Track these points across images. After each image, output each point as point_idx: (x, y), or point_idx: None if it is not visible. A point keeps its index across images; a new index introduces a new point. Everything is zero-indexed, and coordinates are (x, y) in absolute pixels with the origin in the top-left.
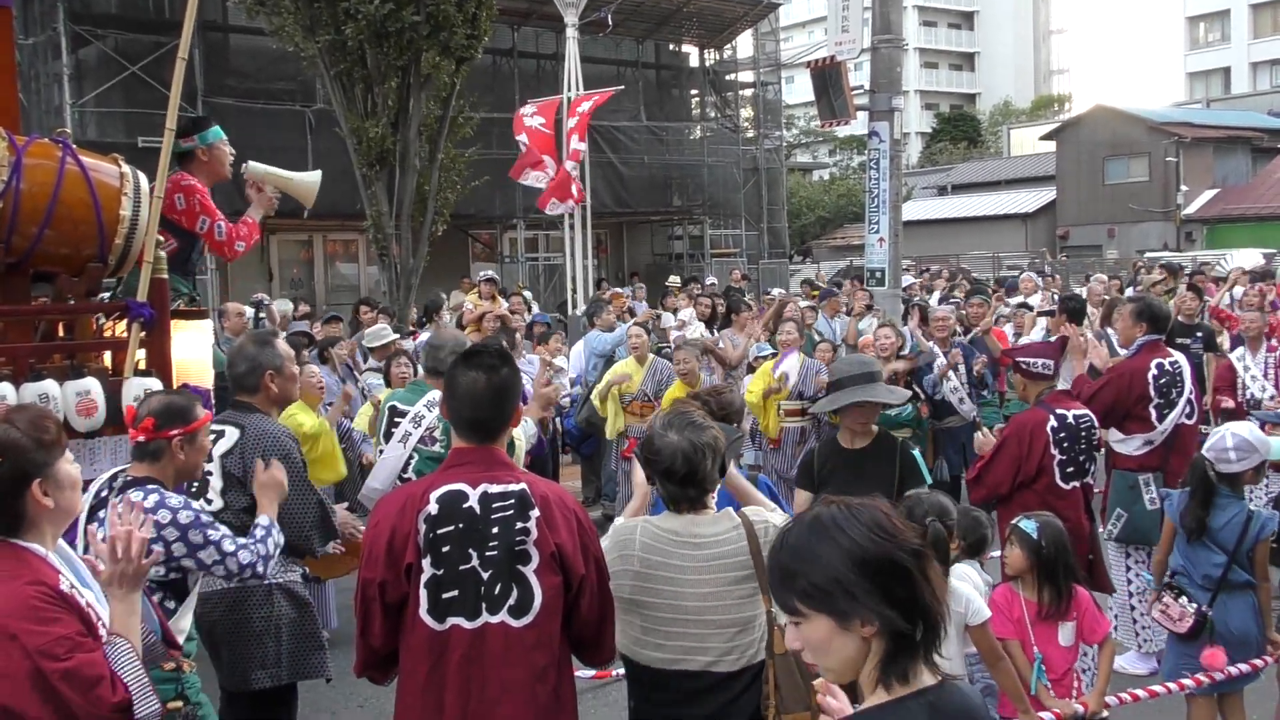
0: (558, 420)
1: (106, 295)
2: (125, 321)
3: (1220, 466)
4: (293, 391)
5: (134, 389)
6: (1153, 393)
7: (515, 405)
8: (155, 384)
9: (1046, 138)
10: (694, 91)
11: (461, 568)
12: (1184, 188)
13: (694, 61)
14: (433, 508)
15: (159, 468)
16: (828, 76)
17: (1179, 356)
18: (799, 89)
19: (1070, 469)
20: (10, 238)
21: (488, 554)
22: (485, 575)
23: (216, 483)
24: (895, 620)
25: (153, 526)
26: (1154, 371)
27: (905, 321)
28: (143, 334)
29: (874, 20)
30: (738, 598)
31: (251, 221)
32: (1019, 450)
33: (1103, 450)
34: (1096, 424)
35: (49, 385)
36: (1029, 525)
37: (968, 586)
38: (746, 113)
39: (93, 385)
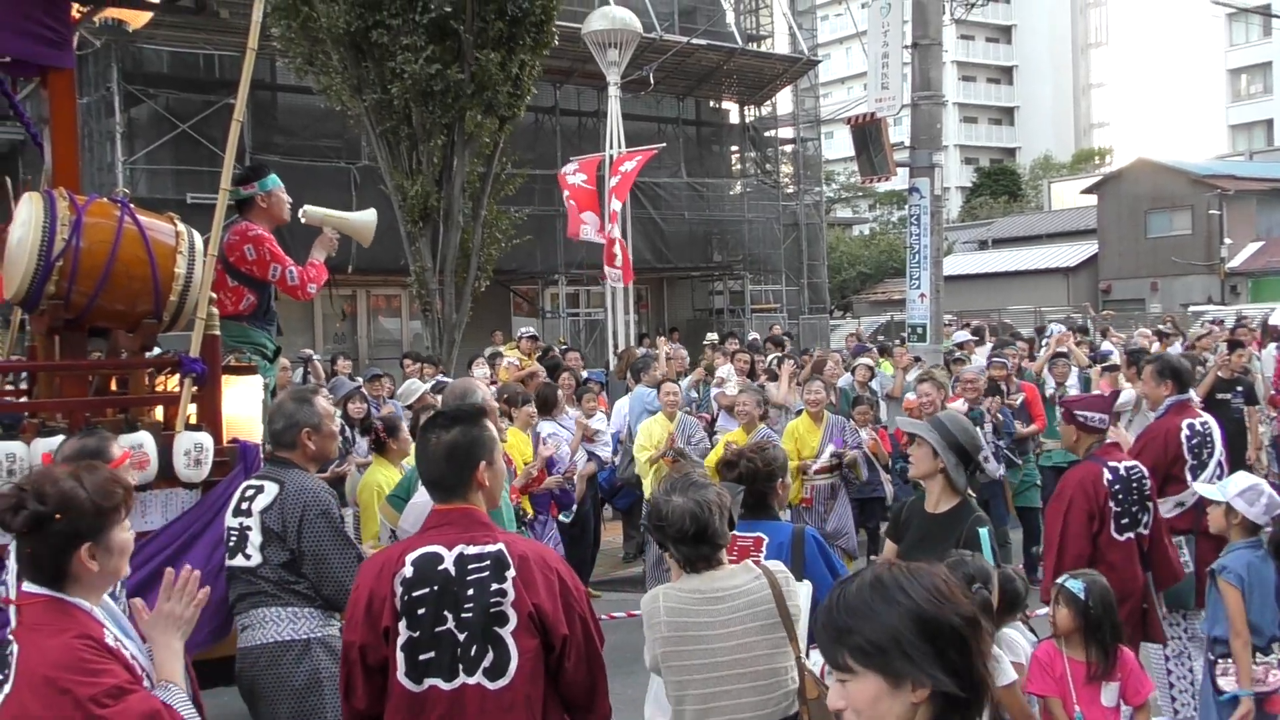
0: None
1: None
2: (178, 376)
3: None
4: (330, 449)
5: (185, 443)
6: (1186, 453)
7: (474, 465)
8: (206, 439)
9: (1087, 191)
10: (734, 147)
11: (437, 629)
12: (1228, 240)
13: (734, 118)
14: (408, 570)
15: None
16: (868, 133)
17: (1209, 417)
18: (839, 144)
19: (1125, 520)
20: (69, 294)
21: (463, 616)
22: (461, 637)
23: (256, 538)
24: (948, 685)
25: None
26: (1186, 431)
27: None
28: (194, 389)
29: (914, 77)
30: (768, 647)
31: (318, 263)
32: (1089, 505)
33: None
34: (1148, 475)
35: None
36: (1075, 585)
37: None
38: (786, 168)
39: (145, 439)
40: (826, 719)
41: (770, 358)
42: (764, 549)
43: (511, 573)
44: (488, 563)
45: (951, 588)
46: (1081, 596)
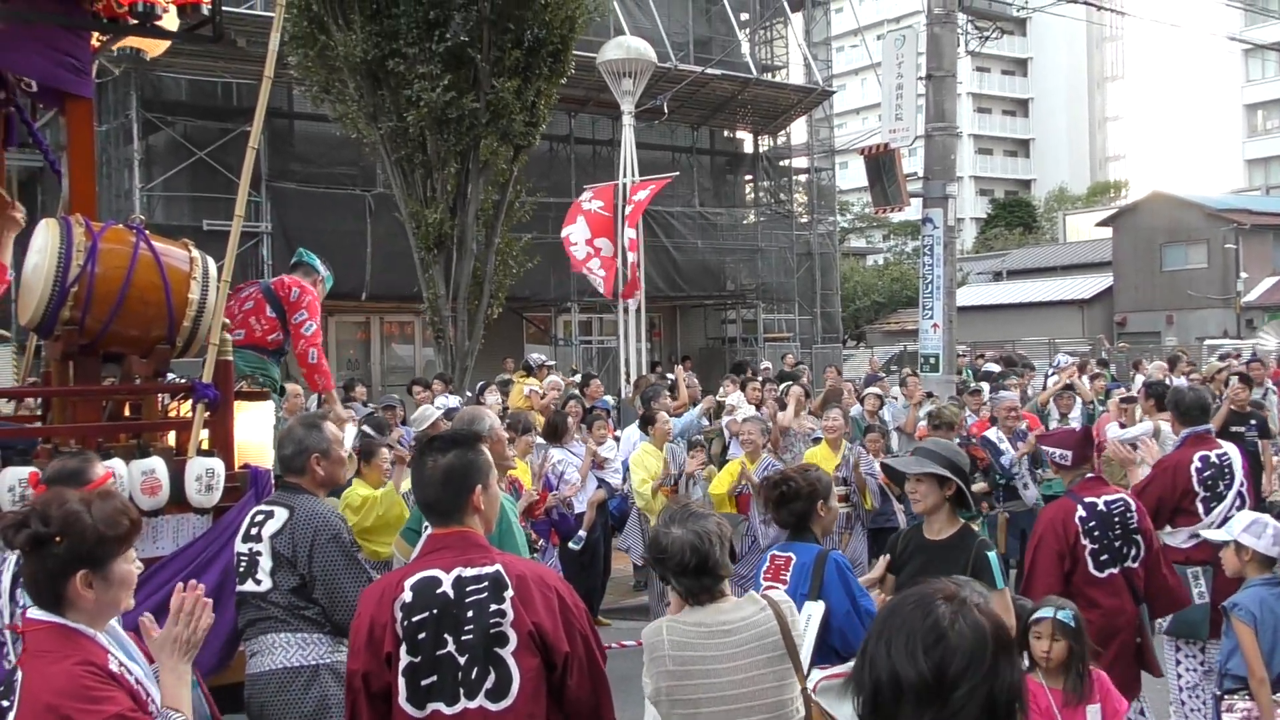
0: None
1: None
2: (190, 402)
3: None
4: (339, 475)
5: (197, 469)
6: (1197, 486)
7: (469, 489)
8: (218, 464)
9: (1103, 224)
10: (748, 177)
11: (438, 653)
12: (1243, 274)
13: (748, 147)
14: (407, 595)
15: None
16: (881, 163)
17: (1228, 448)
18: (853, 174)
19: (1104, 556)
20: (84, 320)
21: (463, 638)
22: (462, 660)
23: (266, 563)
24: None
25: None
26: (1197, 464)
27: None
28: (207, 414)
29: (928, 108)
30: (774, 679)
31: (328, 374)
32: (1058, 545)
33: None
34: (1134, 508)
35: (115, 464)
36: (1065, 615)
37: None
38: (800, 198)
39: (158, 464)
40: None
41: (782, 385)
42: (790, 568)
43: (510, 593)
44: (486, 584)
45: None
46: (1073, 625)
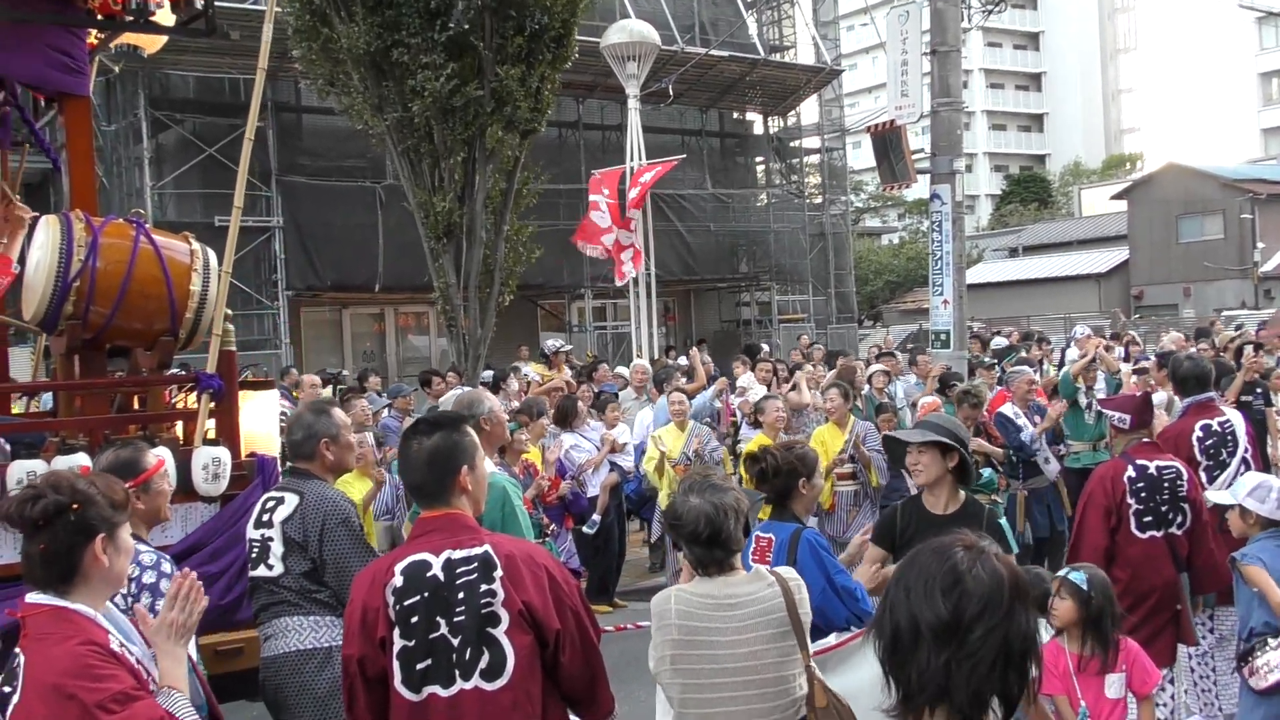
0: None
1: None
2: (196, 393)
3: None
4: (348, 460)
5: (204, 458)
6: (1199, 455)
7: (455, 470)
8: (224, 453)
9: (1118, 197)
10: (759, 158)
11: (431, 636)
12: (1260, 245)
13: (758, 128)
14: (398, 580)
15: None
16: (888, 140)
17: (1231, 415)
18: (866, 154)
19: (1148, 518)
20: (87, 314)
21: (456, 620)
22: (455, 641)
23: (278, 548)
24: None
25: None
26: (1199, 433)
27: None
28: (212, 405)
29: (933, 84)
30: (777, 656)
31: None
32: (1106, 501)
33: None
34: (1186, 477)
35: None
36: (1078, 576)
37: None
38: (813, 178)
39: (164, 455)
40: None
41: (792, 365)
42: (772, 549)
43: (499, 572)
44: (475, 565)
45: None
46: (1084, 588)
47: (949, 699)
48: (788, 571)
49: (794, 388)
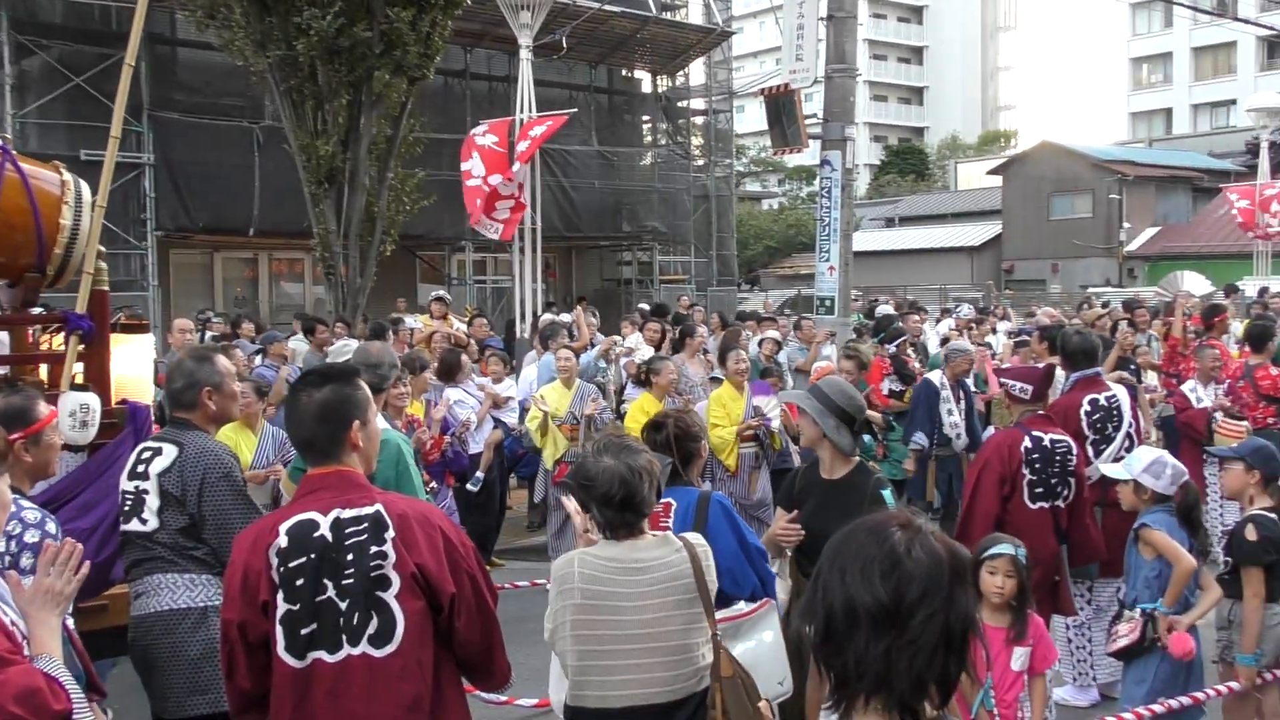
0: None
1: None
2: (64, 334)
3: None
4: (232, 410)
5: (71, 404)
6: (1086, 430)
7: (346, 425)
8: (93, 399)
9: (993, 172)
10: (645, 117)
11: (317, 599)
12: (1126, 225)
13: (646, 87)
14: (282, 540)
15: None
16: (781, 104)
17: (1117, 390)
18: (750, 118)
19: (1039, 489)
20: None
21: (344, 583)
22: (343, 605)
23: (153, 502)
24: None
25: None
26: (1086, 408)
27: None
28: (81, 347)
29: (828, 50)
30: (682, 622)
31: None
32: (1002, 469)
33: None
34: (1074, 451)
35: None
36: (1022, 553)
37: None
38: (697, 140)
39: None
40: (739, 697)
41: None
42: (671, 514)
43: (391, 534)
44: (366, 525)
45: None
46: (1026, 564)
47: (889, 687)
48: (695, 537)
49: (705, 353)
